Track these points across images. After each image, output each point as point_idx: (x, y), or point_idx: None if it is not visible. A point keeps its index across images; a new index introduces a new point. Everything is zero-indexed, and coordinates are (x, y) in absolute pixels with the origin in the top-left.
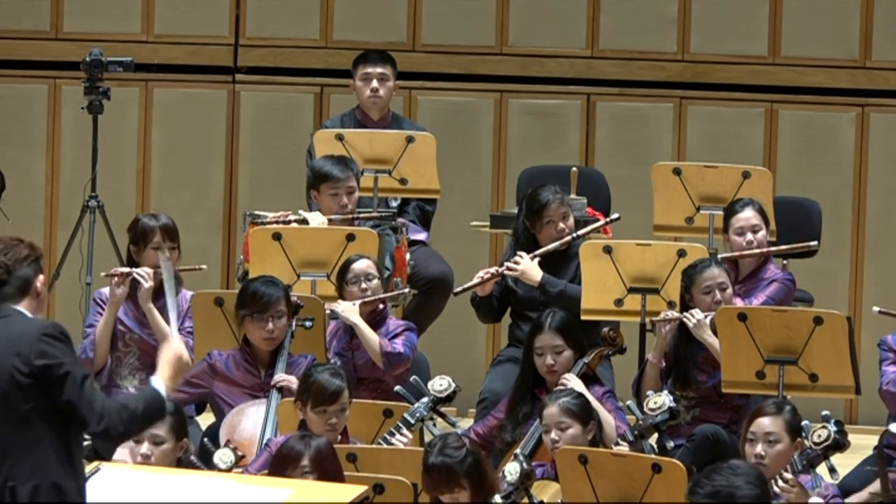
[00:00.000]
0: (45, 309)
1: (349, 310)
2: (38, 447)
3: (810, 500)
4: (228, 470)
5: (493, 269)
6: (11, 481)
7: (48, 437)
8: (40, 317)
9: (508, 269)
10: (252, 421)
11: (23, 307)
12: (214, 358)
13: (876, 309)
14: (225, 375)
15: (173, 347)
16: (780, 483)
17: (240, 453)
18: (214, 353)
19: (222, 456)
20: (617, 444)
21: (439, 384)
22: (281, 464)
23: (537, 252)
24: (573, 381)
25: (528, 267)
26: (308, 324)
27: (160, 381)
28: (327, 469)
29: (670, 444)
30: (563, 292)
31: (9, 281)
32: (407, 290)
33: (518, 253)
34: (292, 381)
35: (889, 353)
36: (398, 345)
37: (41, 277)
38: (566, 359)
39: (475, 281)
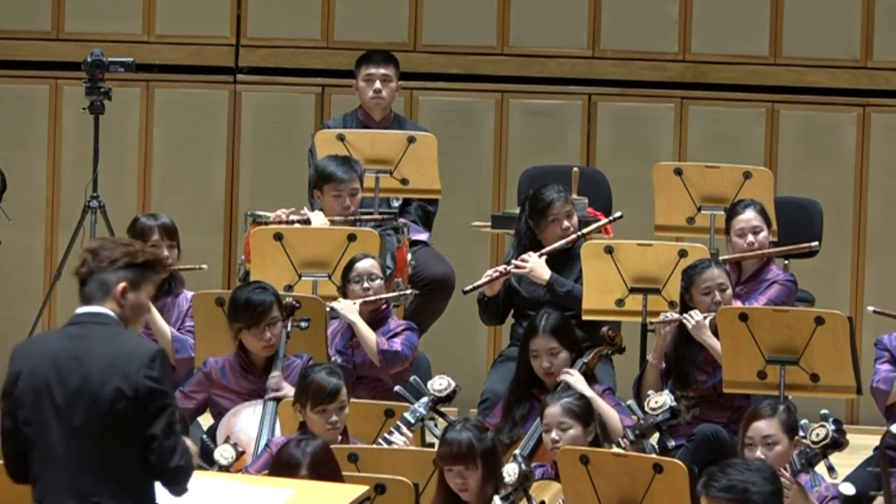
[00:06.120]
0: (139, 317)
1: (348, 308)
2: (125, 468)
3: None
4: (229, 466)
5: (500, 268)
6: (95, 497)
7: (135, 458)
8: (133, 325)
9: (517, 266)
10: (248, 422)
11: (109, 309)
12: (210, 366)
13: (870, 308)
14: (221, 383)
15: None
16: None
17: (240, 449)
18: (210, 361)
19: (223, 452)
20: (617, 443)
21: (438, 384)
22: (279, 470)
23: (544, 251)
24: (575, 376)
25: (537, 265)
26: (304, 324)
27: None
28: (325, 473)
29: (671, 444)
30: (570, 293)
31: (88, 282)
32: (409, 291)
33: (528, 253)
34: (283, 388)
35: (884, 352)
36: (396, 344)
37: (122, 285)
38: (562, 360)
39: (484, 280)
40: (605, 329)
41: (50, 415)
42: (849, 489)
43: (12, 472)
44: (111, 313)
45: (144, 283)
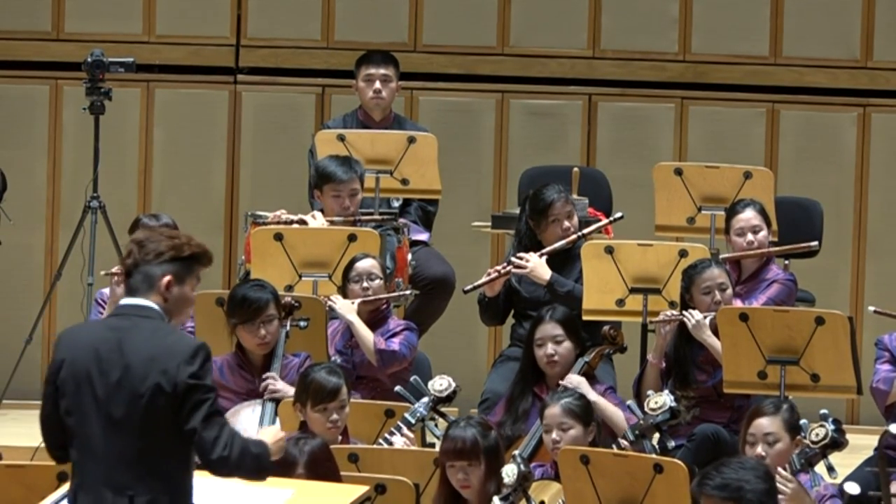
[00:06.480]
0: (183, 311)
1: (346, 307)
2: (162, 463)
3: None
4: None
5: (500, 267)
6: (131, 490)
7: (172, 453)
8: (177, 318)
9: (517, 266)
10: (248, 422)
11: (154, 302)
12: None
13: (871, 308)
14: (219, 383)
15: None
16: (778, 478)
17: None
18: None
19: None
20: (617, 444)
21: (439, 384)
22: (276, 468)
23: (544, 251)
24: (577, 379)
25: (537, 265)
26: (303, 324)
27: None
28: (323, 472)
29: (671, 444)
30: (570, 293)
31: (133, 274)
32: (409, 291)
33: (528, 253)
34: (280, 390)
35: (884, 352)
36: (394, 343)
37: (167, 278)
38: (566, 349)
39: (484, 279)
40: (606, 328)
41: (90, 406)
42: (854, 488)
43: (56, 459)
44: (155, 306)
45: (189, 277)
